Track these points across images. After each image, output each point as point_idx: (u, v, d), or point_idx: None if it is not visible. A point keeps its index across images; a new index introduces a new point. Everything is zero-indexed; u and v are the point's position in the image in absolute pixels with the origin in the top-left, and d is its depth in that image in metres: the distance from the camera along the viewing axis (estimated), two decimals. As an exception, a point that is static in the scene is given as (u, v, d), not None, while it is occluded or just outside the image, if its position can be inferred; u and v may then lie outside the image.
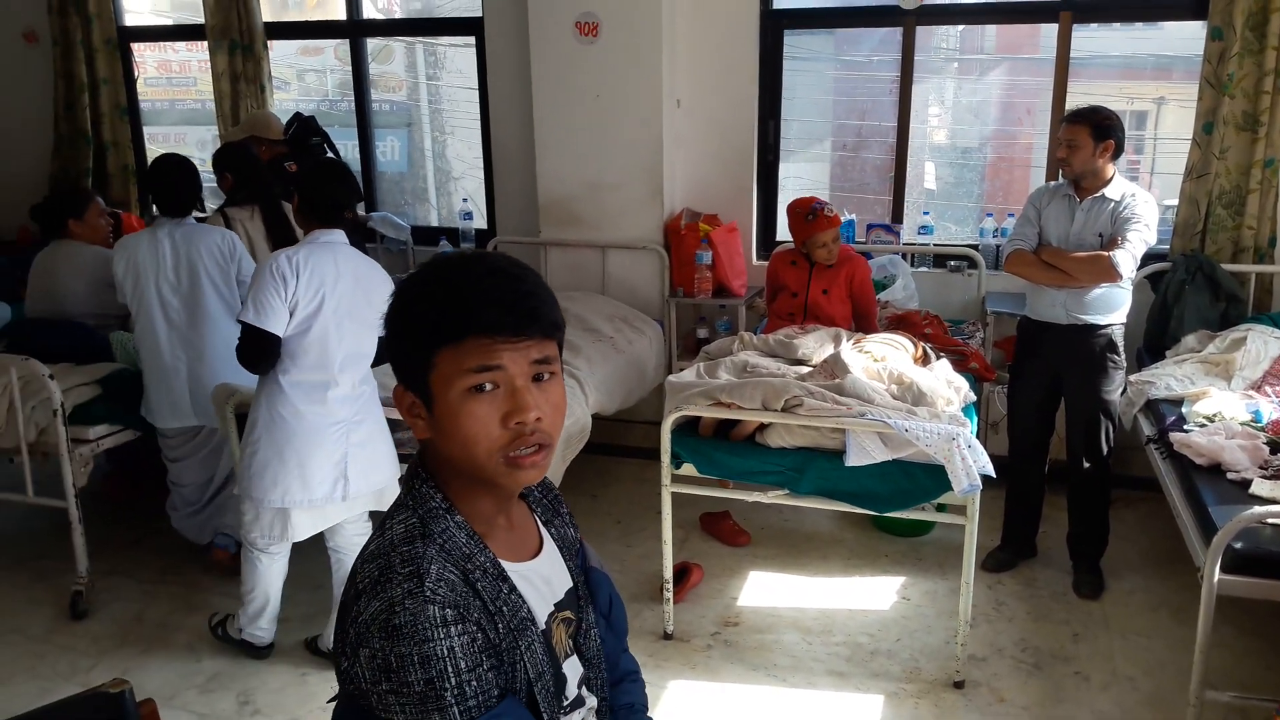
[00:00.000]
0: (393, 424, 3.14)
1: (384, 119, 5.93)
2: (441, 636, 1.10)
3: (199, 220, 3.64)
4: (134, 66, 5.92)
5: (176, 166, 3.54)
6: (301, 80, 6.39)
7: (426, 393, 1.17)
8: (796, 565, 3.84)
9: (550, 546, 1.35)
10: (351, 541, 3.15)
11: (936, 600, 3.58)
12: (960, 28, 5.24)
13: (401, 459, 3.13)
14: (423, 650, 1.09)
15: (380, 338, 2.98)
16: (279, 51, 5.69)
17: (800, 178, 5.33)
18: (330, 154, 4.70)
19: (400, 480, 1.27)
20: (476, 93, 5.30)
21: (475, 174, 5.64)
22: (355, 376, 2.97)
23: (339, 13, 5.51)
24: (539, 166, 4.87)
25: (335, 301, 2.87)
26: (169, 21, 6.17)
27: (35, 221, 4.24)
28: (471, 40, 5.24)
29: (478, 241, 5.38)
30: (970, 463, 2.80)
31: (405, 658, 1.08)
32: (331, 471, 2.94)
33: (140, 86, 6.05)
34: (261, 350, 2.86)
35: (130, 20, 5.92)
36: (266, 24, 5.44)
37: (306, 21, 5.84)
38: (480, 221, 5.45)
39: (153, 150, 6.12)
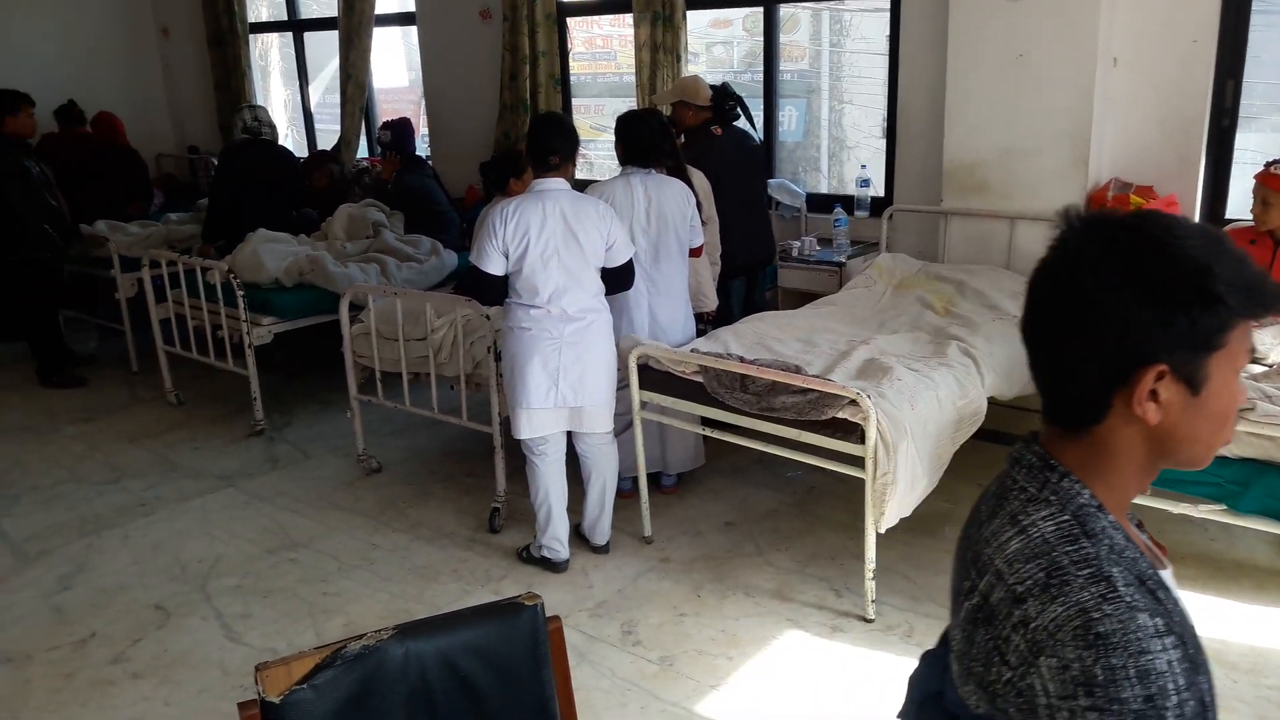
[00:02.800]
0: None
1: (784, 88, 5.96)
2: (1159, 649, 0.97)
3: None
4: (567, 40, 6.45)
5: (640, 121, 3.88)
6: (709, 52, 6.60)
7: (1197, 373, 1.03)
8: (1222, 592, 3.34)
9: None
10: (596, 449, 3.62)
11: None
12: None
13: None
14: (1140, 663, 0.96)
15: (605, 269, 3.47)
16: (690, 24, 5.91)
17: (1259, 150, 4.58)
18: (744, 119, 4.79)
19: (1022, 469, 1.13)
20: (882, 58, 5.14)
21: (870, 143, 5.50)
22: (568, 305, 3.39)
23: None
24: (947, 131, 4.63)
25: (541, 245, 3.31)
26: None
27: (484, 177, 4.78)
28: (885, 2, 5.08)
29: (872, 209, 5.25)
30: None
31: (1118, 670, 0.96)
32: (545, 380, 3.40)
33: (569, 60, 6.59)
34: (485, 286, 3.42)
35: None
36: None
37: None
38: (877, 189, 5.31)
39: (578, 119, 6.65)
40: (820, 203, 5.49)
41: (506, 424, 3.88)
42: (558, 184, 3.42)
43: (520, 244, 3.31)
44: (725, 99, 4.67)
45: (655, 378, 3.58)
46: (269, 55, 8.90)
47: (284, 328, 4.97)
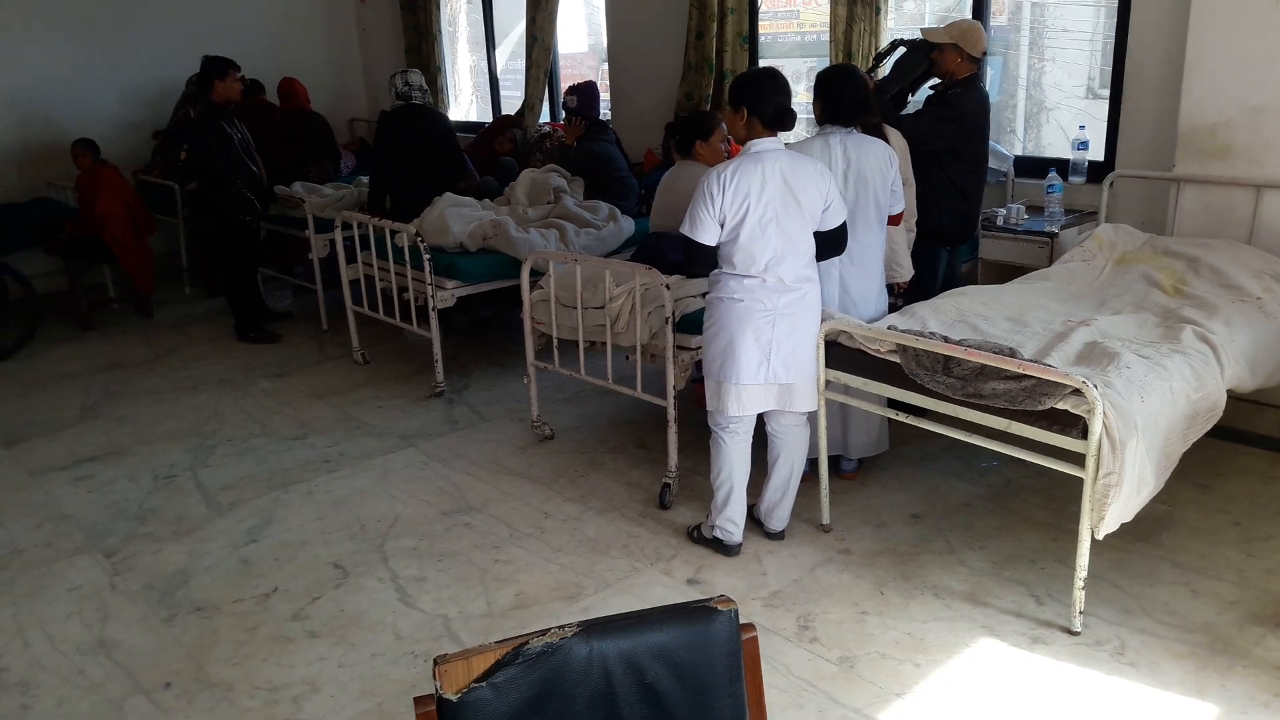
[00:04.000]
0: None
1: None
2: None
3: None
4: (758, -5, 6.17)
5: (846, 76, 3.61)
6: (900, 9, 6.19)
7: None
8: None
9: None
10: (789, 430, 3.44)
11: None
12: None
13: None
14: None
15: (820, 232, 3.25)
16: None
17: None
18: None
19: None
20: (1090, 9, 4.64)
21: (1071, 104, 5.03)
22: (785, 274, 3.19)
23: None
24: (1185, 88, 4.11)
25: (760, 210, 3.12)
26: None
27: (668, 137, 4.56)
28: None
29: (1090, 175, 4.77)
30: None
31: None
32: (757, 354, 3.22)
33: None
34: (696, 256, 3.24)
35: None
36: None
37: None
38: (1095, 153, 4.82)
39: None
40: (1028, 166, 5.05)
41: (681, 397, 3.75)
42: (774, 144, 3.22)
43: (739, 210, 3.12)
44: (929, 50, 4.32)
45: (844, 355, 3.33)
46: (457, 20, 9.03)
47: (466, 291, 4.98)
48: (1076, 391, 2.69)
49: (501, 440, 4.49)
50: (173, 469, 4.34)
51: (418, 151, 5.75)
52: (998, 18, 5.70)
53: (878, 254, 3.69)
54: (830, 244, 3.34)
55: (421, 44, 8.42)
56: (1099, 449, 2.68)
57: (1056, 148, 5.25)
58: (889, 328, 3.24)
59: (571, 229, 5.24)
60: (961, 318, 3.54)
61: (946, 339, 3.08)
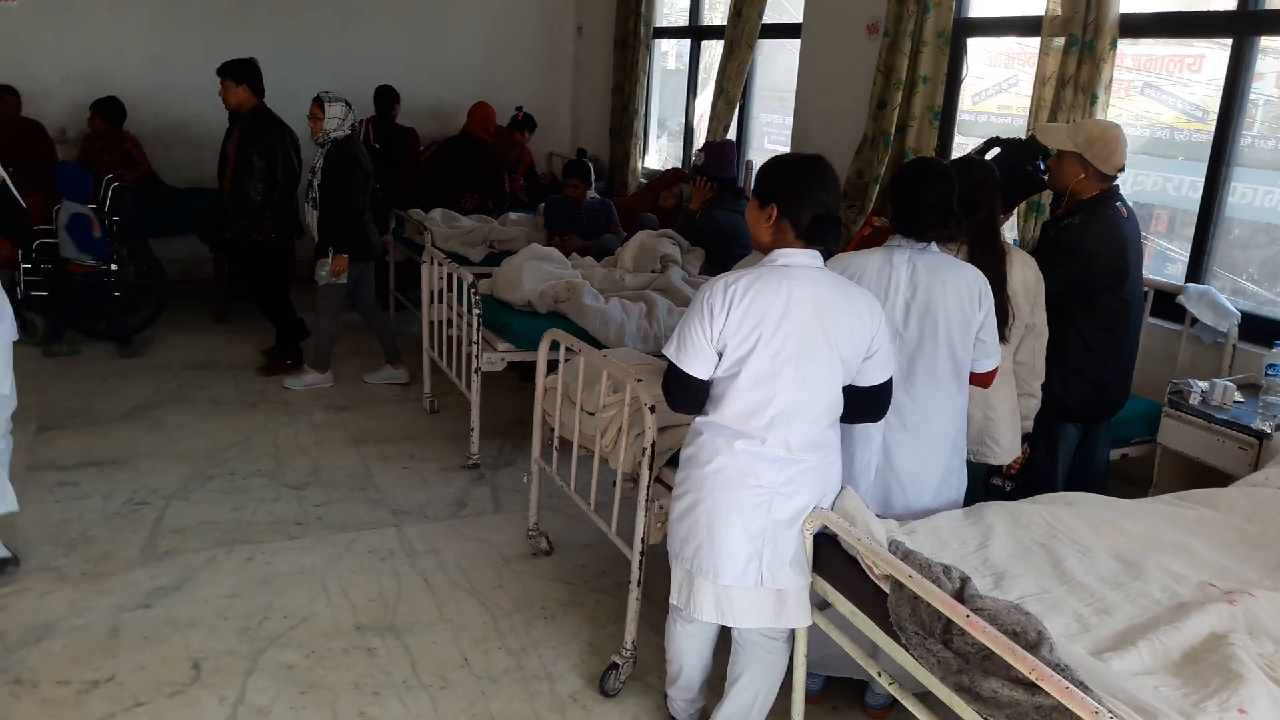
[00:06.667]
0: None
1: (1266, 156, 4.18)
2: None
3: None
4: (962, 64, 5.11)
5: (934, 175, 2.61)
6: (1130, 94, 4.87)
7: None
8: None
9: None
10: (762, 643, 2.51)
11: None
12: None
13: None
14: None
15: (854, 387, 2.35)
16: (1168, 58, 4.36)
17: None
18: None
19: None
20: None
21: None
22: (793, 437, 2.30)
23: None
24: None
25: (777, 345, 2.26)
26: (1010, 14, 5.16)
27: None
28: None
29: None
30: None
31: None
32: (745, 547, 2.33)
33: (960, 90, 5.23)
34: (679, 390, 2.36)
35: (975, 11, 5.11)
36: (1123, 15, 4.12)
37: (1171, 12, 4.28)
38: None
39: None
40: (1266, 328, 3.69)
41: (651, 550, 2.87)
42: (809, 259, 2.32)
43: (747, 341, 2.26)
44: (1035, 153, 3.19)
45: (836, 561, 2.32)
46: (668, 60, 8.48)
47: (518, 357, 4.34)
48: (1118, 743, 1.59)
49: (494, 542, 3.77)
50: (152, 495, 3.97)
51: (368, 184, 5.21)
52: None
53: (945, 421, 2.63)
54: (866, 404, 2.40)
55: (625, 84, 7.94)
56: None
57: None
58: (892, 543, 2.19)
59: (664, 305, 4.46)
60: (1048, 540, 2.44)
61: (965, 583, 2.01)
